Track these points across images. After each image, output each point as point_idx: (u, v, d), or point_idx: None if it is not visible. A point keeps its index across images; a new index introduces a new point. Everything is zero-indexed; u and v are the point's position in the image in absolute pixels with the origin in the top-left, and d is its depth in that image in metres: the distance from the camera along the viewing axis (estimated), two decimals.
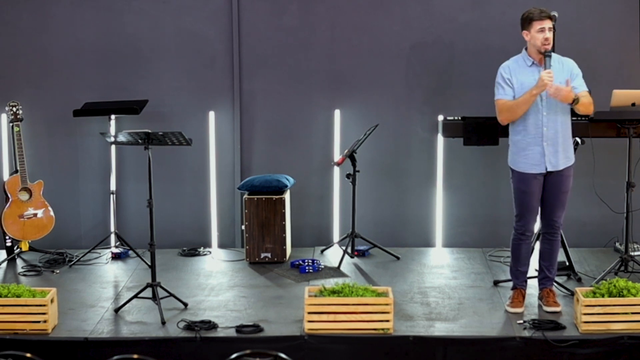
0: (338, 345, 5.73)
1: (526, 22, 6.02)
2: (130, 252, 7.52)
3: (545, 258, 6.28)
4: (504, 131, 6.85)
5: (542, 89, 5.94)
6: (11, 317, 5.82)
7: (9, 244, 7.44)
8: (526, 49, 6.10)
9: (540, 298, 6.28)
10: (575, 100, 5.96)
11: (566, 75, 6.03)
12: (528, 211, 6.14)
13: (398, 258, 7.43)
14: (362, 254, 7.50)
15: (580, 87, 6.09)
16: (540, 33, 5.97)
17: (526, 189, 6.10)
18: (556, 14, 6.46)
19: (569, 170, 6.14)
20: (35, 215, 7.39)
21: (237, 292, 6.69)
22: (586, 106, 6.06)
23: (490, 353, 5.73)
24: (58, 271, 7.17)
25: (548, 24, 5.98)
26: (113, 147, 7.53)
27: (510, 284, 6.35)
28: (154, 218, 6.21)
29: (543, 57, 5.99)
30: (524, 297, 6.28)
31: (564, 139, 6.09)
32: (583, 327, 5.75)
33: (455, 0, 7.58)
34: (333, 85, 7.74)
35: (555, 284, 6.55)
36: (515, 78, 6.04)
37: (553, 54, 6.08)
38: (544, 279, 6.29)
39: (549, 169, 6.07)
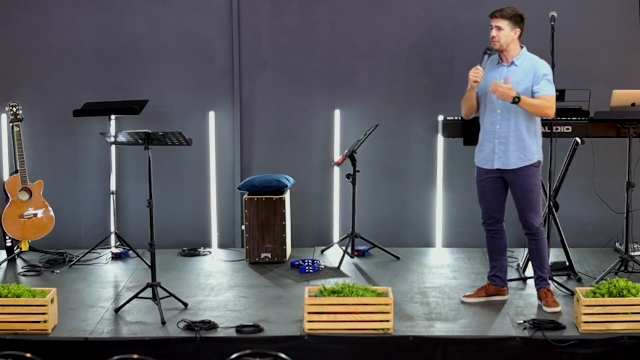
0: (338, 345, 5.73)
1: None
2: (130, 252, 7.52)
3: (534, 258, 6.29)
4: None
5: (472, 86, 6.06)
6: (11, 317, 5.82)
7: (9, 244, 7.44)
8: None
9: (539, 299, 6.29)
10: (516, 99, 5.92)
11: (530, 76, 6.03)
12: (483, 204, 6.25)
13: (398, 258, 7.44)
14: (362, 254, 7.51)
15: (542, 91, 6.02)
16: (490, 30, 6.06)
17: (479, 180, 6.25)
18: (555, 14, 6.47)
19: (528, 170, 6.10)
20: (35, 215, 7.39)
21: (237, 292, 6.69)
22: (536, 108, 5.99)
23: (490, 353, 5.73)
24: (58, 271, 7.17)
25: (495, 22, 6.05)
26: (113, 147, 7.54)
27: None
28: (154, 218, 6.21)
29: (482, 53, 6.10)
30: (486, 292, 6.34)
31: (517, 139, 6.07)
32: (583, 327, 5.75)
33: (455, 0, 7.58)
34: (333, 85, 7.74)
35: (555, 284, 6.55)
36: (485, 73, 6.10)
37: (529, 54, 6.10)
38: (538, 279, 6.30)
39: (497, 166, 6.14)
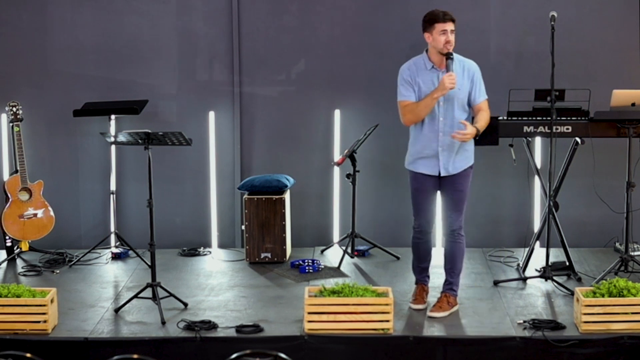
0: (338, 345, 5.73)
1: (428, 24, 5.94)
2: (130, 252, 7.52)
3: (447, 261, 6.23)
4: (503, 131, 6.87)
5: (443, 92, 5.89)
6: (11, 317, 5.82)
7: (9, 244, 7.44)
8: (427, 51, 6.05)
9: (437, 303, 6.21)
10: (478, 133, 5.94)
11: (467, 80, 5.99)
12: (421, 210, 6.16)
13: (398, 258, 7.44)
14: (362, 254, 7.51)
15: (480, 97, 6.02)
16: (443, 35, 5.91)
17: (419, 186, 6.14)
18: (555, 14, 6.47)
19: (464, 171, 6.10)
20: (35, 215, 7.39)
21: (237, 292, 6.69)
22: (486, 123, 6.03)
23: (490, 353, 5.73)
24: (58, 271, 7.17)
25: (450, 26, 5.93)
26: (113, 147, 7.53)
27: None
28: (154, 218, 6.21)
29: (445, 60, 5.94)
30: (426, 292, 6.31)
31: (460, 145, 6.04)
32: (583, 327, 5.75)
33: (455, 0, 7.58)
34: (333, 85, 7.74)
35: (555, 283, 6.56)
36: (415, 80, 6.01)
37: (456, 56, 6.03)
38: (445, 283, 6.25)
39: (442, 175, 6.08)
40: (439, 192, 6.19)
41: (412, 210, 6.22)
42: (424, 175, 6.11)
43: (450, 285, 6.20)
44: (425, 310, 6.21)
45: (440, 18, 5.91)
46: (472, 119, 6.08)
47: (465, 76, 6.01)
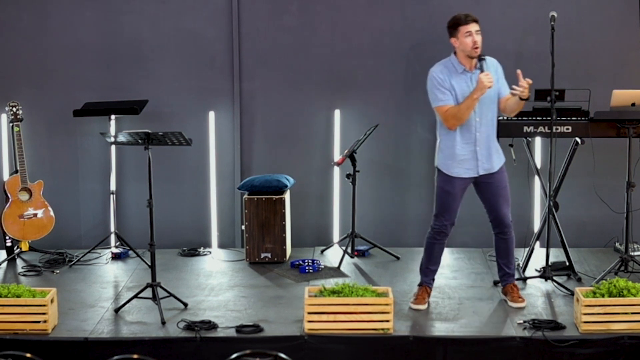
0: (338, 345, 5.73)
1: (453, 28, 5.98)
2: (130, 252, 7.52)
3: (503, 256, 6.31)
4: (503, 131, 6.87)
5: (483, 92, 5.91)
6: (11, 317, 5.82)
7: (9, 244, 7.44)
8: (455, 53, 6.05)
9: (504, 294, 6.33)
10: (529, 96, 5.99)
11: (495, 76, 6.02)
12: (447, 212, 6.19)
13: (398, 258, 7.44)
14: (362, 254, 7.51)
15: (506, 89, 6.08)
16: (468, 37, 5.93)
17: (451, 190, 6.16)
18: (555, 14, 6.47)
19: (502, 167, 6.17)
20: (35, 215, 7.39)
21: (237, 292, 6.69)
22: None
23: (490, 353, 5.73)
24: (58, 271, 7.17)
25: (475, 27, 5.94)
26: (113, 147, 7.54)
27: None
28: (154, 218, 6.21)
29: (478, 61, 5.97)
30: (428, 294, 6.34)
31: (494, 142, 6.13)
32: (583, 327, 5.75)
33: (455, 0, 7.58)
34: (333, 85, 7.74)
35: (555, 283, 6.56)
36: (450, 84, 6.02)
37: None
38: (505, 276, 6.34)
39: (481, 173, 6.11)
40: (475, 192, 6.26)
41: (435, 210, 6.24)
42: (460, 179, 6.14)
43: (513, 277, 6.31)
44: (426, 310, 6.22)
45: (463, 21, 5.95)
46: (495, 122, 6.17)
47: (493, 72, 6.04)
